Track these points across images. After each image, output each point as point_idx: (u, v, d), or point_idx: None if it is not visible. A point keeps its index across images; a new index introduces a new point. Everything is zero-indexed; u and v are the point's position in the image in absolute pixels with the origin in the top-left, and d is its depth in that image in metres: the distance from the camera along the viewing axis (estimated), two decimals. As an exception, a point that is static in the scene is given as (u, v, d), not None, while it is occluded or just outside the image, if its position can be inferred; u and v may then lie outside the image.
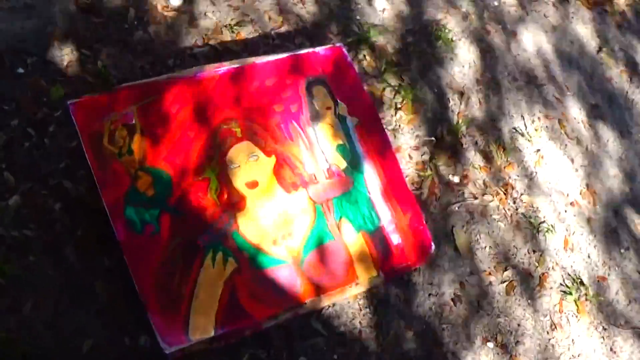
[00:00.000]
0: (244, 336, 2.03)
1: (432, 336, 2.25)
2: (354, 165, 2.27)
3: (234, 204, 2.08)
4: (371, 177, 2.28)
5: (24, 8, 2.26)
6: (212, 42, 2.45)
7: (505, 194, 2.59)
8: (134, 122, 2.04)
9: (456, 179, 2.54)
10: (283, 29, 2.57)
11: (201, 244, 2.00)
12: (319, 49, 2.37)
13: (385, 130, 2.36)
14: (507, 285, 2.46)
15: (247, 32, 2.52)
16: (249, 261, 2.04)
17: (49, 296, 1.90)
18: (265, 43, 2.52)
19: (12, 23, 2.22)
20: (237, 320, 1.99)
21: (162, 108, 2.09)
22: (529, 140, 2.76)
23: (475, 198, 2.54)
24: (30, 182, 2.01)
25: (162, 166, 2.03)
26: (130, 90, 2.10)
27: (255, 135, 2.17)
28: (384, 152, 2.33)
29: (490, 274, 2.45)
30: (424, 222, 2.31)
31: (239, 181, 2.11)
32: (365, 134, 2.31)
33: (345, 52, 2.39)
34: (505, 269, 2.48)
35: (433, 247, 2.30)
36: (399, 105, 2.56)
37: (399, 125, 2.54)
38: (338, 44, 2.42)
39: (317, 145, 2.24)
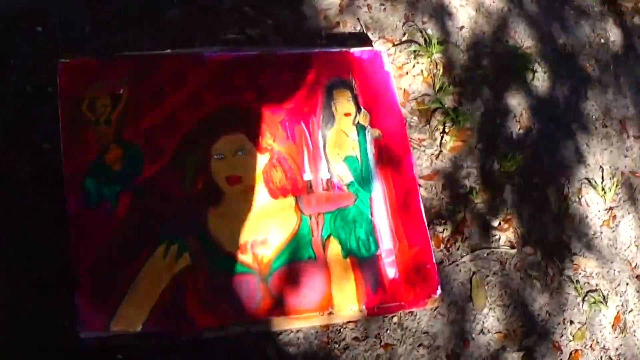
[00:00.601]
0: (179, 341, 1.85)
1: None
2: (362, 181, 2.06)
3: (207, 198, 1.94)
4: (379, 198, 2.05)
5: None
6: (248, 30, 2.42)
7: (552, 249, 2.27)
8: (121, 92, 2.01)
9: (494, 222, 2.25)
10: (336, 31, 2.49)
11: (159, 232, 1.88)
12: (355, 50, 2.25)
13: (411, 150, 2.15)
14: (523, 355, 2.08)
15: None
16: (207, 261, 1.87)
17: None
18: (311, 42, 2.44)
19: None
20: (175, 321, 1.81)
21: (156, 82, 2.05)
22: (601, 196, 2.41)
23: (513, 247, 2.23)
24: (9, 139, 2.04)
25: (138, 142, 1.96)
26: (127, 59, 2.09)
27: (251, 127, 2.06)
28: (402, 173, 2.10)
29: (506, 337, 2.08)
30: (434, 260, 2.01)
31: (220, 174, 1.98)
32: (384, 149, 2.11)
33: (385, 58, 2.25)
34: (528, 335, 2.11)
35: (439, 291, 1.98)
36: (447, 129, 2.35)
37: (441, 151, 2.32)
38: (379, 49, 2.30)
39: (322, 152, 2.07)
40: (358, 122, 2.14)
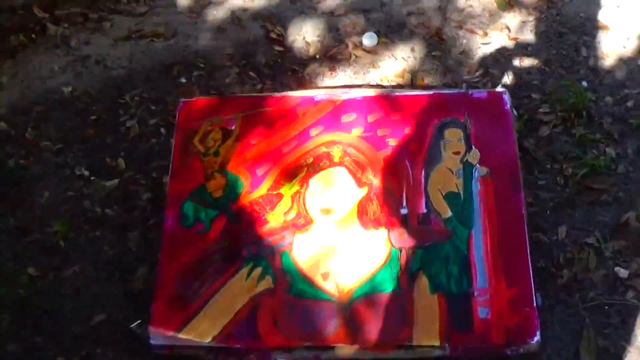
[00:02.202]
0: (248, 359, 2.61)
1: None
2: (462, 217, 2.75)
3: (297, 225, 2.79)
4: (479, 235, 2.71)
5: (217, 30, 3.65)
6: (385, 82, 3.37)
7: None
8: (233, 128, 3.03)
9: (623, 273, 2.72)
10: (477, 79, 3.36)
11: (245, 254, 2.75)
12: (474, 91, 3.07)
13: (522, 191, 2.79)
14: None
15: (432, 79, 3.38)
16: (287, 286, 2.67)
17: (93, 268, 2.89)
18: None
19: (196, 39, 3.61)
20: (245, 339, 2.59)
21: (266, 120, 3.03)
22: None
23: None
24: (134, 172, 3.15)
25: (241, 173, 2.92)
26: (241, 99, 3.15)
27: (354, 163, 2.90)
28: (510, 212, 2.74)
29: None
30: (535, 304, 2.56)
31: (314, 205, 2.83)
32: (492, 187, 2.79)
33: (507, 98, 3.00)
34: None
35: (537, 337, 2.50)
36: (581, 180, 2.98)
37: (572, 199, 2.95)
38: (501, 89, 3.07)
39: (423, 188, 2.82)
40: (466, 160, 2.88)
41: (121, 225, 3.01)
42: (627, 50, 3.44)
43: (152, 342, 2.63)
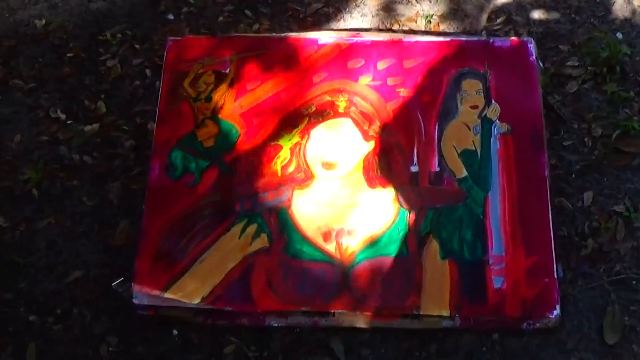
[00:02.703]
0: (239, 324, 2.68)
1: None
2: (478, 178, 2.82)
3: (297, 180, 2.85)
4: (497, 198, 2.77)
5: None
6: (396, 27, 3.41)
7: None
8: (227, 71, 3.07)
9: None
10: (498, 27, 3.41)
11: (239, 209, 2.81)
12: (496, 39, 3.11)
13: (546, 151, 2.85)
14: None
15: (446, 25, 3.43)
16: (284, 245, 2.74)
17: (69, 220, 2.97)
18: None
19: None
20: (237, 301, 2.66)
21: (263, 63, 3.07)
22: None
23: None
24: (117, 116, 3.21)
25: (235, 121, 2.97)
26: (237, 39, 3.18)
27: (360, 114, 2.96)
28: (531, 174, 2.81)
29: None
30: (556, 275, 2.64)
31: (316, 158, 2.89)
32: (512, 146, 2.85)
33: (533, 48, 3.04)
34: None
35: (557, 311, 2.58)
36: (611, 142, 3.03)
37: (601, 162, 3.00)
38: (526, 38, 3.11)
39: (436, 145, 2.88)
40: (485, 115, 2.94)
41: (101, 175, 3.08)
42: (669, -1, 3.47)
43: (135, 302, 2.70)
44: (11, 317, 2.77)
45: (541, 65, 3.11)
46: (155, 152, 2.95)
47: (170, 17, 3.51)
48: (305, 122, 2.98)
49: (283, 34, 3.21)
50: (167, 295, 2.69)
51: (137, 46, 3.43)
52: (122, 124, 3.20)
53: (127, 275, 2.76)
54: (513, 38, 3.14)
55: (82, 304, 2.80)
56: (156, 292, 2.69)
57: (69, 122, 3.22)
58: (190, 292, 2.69)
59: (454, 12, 3.47)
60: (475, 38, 3.18)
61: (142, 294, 2.70)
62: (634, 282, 2.77)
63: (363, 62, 3.08)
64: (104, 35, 3.47)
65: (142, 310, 2.72)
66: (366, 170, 2.88)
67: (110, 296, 2.78)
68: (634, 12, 3.44)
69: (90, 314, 2.78)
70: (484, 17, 3.48)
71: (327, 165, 2.90)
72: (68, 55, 3.43)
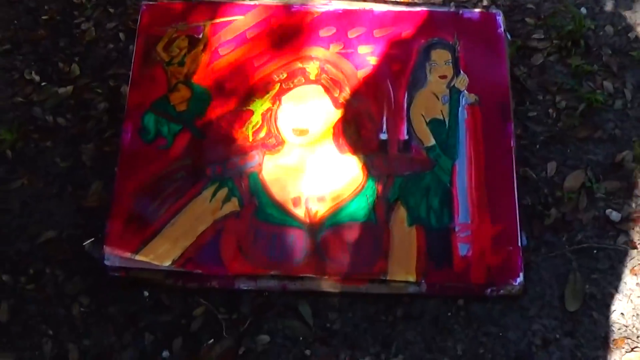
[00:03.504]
0: (209, 287, 2.62)
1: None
2: (446, 146, 2.75)
3: (268, 145, 2.77)
4: (464, 166, 2.72)
5: None
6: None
7: None
8: (200, 36, 2.97)
9: (615, 216, 2.76)
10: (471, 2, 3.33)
11: (210, 173, 2.73)
12: (466, 11, 3.04)
13: (512, 122, 2.82)
14: None
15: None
16: (255, 209, 2.67)
17: (42, 181, 2.87)
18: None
19: None
20: (207, 264, 2.60)
21: (236, 29, 2.98)
22: None
23: (634, 247, 2.71)
24: (91, 79, 3.10)
25: (208, 86, 2.88)
26: (210, 4, 3.07)
27: (331, 81, 2.88)
28: (497, 143, 2.76)
29: (601, 346, 2.54)
30: (520, 243, 2.60)
31: (287, 124, 2.81)
32: (480, 116, 2.80)
33: (501, 20, 2.98)
34: (631, 350, 2.54)
35: (520, 279, 2.55)
36: (575, 114, 2.99)
37: (564, 134, 2.96)
38: (495, 11, 3.05)
39: (405, 113, 2.82)
40: (453, 86, 2.87)
41: (74, 136, 2.98)
42: (634, -25, 3.43)
43: (106, 263, 2.63)
44: (-19, 276, 2.70)
45: (508, 37, 3.05)
46: (128, 115, 2.85)
47: (145, -20, 3.39)
48: (277, 88, 2.90)
49: (256, 1, 3.10)
50: (139, 257, 2.61)
51: (112, 10, 3.31)
52: (96, 87, 3.09)
53: (99, 237, 2.68)
54: (482, 10, 3.08)
55: (55, 264, 2.72)
56: (128, 254, 2.62)
57: (43, 84, 3.11)
58: (162, 254, 2.62)
59: (424, -18, 3.38)
60: (444, 9, 3.10)
61: (114, 256, 2.62)
62: (595, 251, 2.74)
63: (334, 30, 3.00)
64: (79, -3, 3.35)
65: (114, 271, 2.64)
66: (336, 137, 2.81)
67: (82, 257, 2.70)
68: (598, -13, 3.38)
69: (62, 274, 2.70)
70: (453, -12, 3.40)
71: (298, 131, 2.82)
72: (43, 17, 3.30)
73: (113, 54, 3.19)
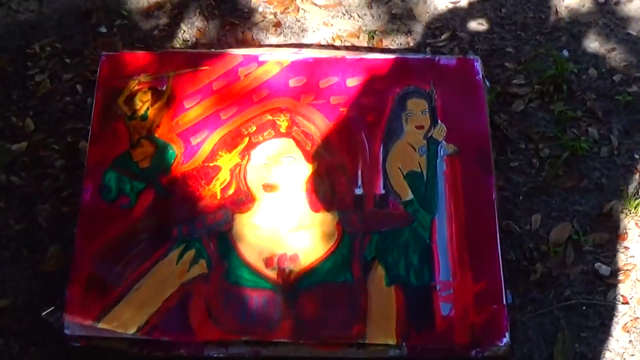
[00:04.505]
0: (177, 355, 2.63)
1: None
2: (424, 200, 2.81)
3: (237, 203, 2.81)
4: (444, 221, 2.77)
5: None
6: (338, 43, 3.40)
7: None
8: (164, 88, 3.02)
9: (604, 270, 2.82)
10: (443, 44, 3.42)
11: (176, 234, 2.76)
12: (442, 57, 3.12)
13: (494, 173, 2.86)
14: None
15: (391, 41, 3.42)
16: (224, 271, 2.70)
17: (-4, 244, 2.90)
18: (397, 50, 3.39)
19: None
20: (174, 331, 2.61)
21: (202, 80, 3.03)
22: None
23: (625, 303, 2.75)
24: (46, 134, 3.14)
25: (172, 141, 2.92)
26: (174, 54, 3.14)
27: (302, 134, 2.93)
28: (479, 196, 2.81)
29: None
30: (505, 301, 2.64)
31: (256, 180, 2.85)
32: (459, 168, 2.86)
33: (479, 66, 3.06)
34: None
35: (506, 339, 2.58)
36: (559, 163, 3.05)
37: (549, 184, 3.02)
38: (473, 57, 3.13)
39: (381, 166, 2.87)
40: (431, 136, 2.93)
41: (29, 196, 3.00)
42: (614, 16, 3.52)
43: (66, 332, 2.63)
44: None
45: (487, 84, 3.12)
46: (88, 173, 2.88)
47: (103, 30, 3.44)
48: (246, 142, 2.94)
49: (222, 50, 3.18)
50: (101, 325, 2.63)
51: (68, 60, 3.36)
52: (52, 143, 3.13)
53: (57, 304, 2.69)
54: (459, 56, 3.17)
55: (10, 334, 2.73)
56: (89, 322, 2.63)
57: (-6, 140, 3.14)
58: (125, 321, 2.63)
59: (397, 28, 3.46)
60: (420, 56, 3.18)
61: (74, 324, 2.63)
62: (584, 308, 2.79)
63: (305, 80, 3.06)
64: (32, 48, 3.39)
65: (74, 341, 2.64)
66: (309, 193, 2.85)
67: (40, 326, 2.71)
68: (579, 29, 3.46)
69: (17, 346, 2.71)
70: (429, 33, 3.47)
71: (269, 188, 2.86)
72: (-6, 68, 3.34)
73: (70, 107, 3.23)
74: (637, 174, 3.08)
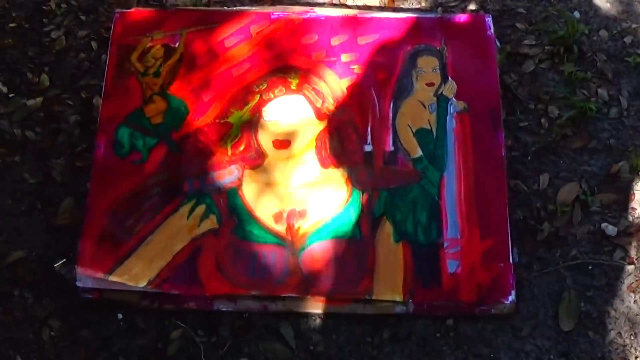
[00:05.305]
0: (186, 308, 2.62)
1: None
2: (433, 157, 2.77)
3: (247, 159, 2.78)
4: (452, 178, 2.73)
5: None
6: (350, 2, 3.33)
7: None
8: (177, 45, 2.98)
9: (611, 230, 2.77)
10: (454, 4, 3.35)
11: (187, 189, 2.73)
12: (453, 15, 3.07)
13: (503, 131, 2.83)
14: None
15: (402, 1, 3.35)
16: (234, 226, 2.67)
17: (10, 198, 2.87)
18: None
19: None
20: (184, 285, 2.59)
21: (214, 38, 2.99)
22: None
23: (631, 263, 2.71)
24: (61, 90, 3.09)
25: (185, 97, 2.88)
26: (187, 12, 3.09)
27: (314, 91, 2.89)
28: (488, 153, 2.78)
29: None
30: (512, 260, 2.61)
31: (267, 136, 2.82)
32: (469, 125, 2.82)
33: (490, 22, 3.01)
34: None
35: (512, 297, 2.56)
36: (568, 124, 3.00)
37: (557, 144, 2.96)
38: (484, 13, 3.08)
39: (390, 123, 2.83)
40: (441, 92, 2.88)
41: (44, 151, 2.97)
42: (628, -23, 3.44)
43: (78, 284, 2.62)
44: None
45: (498, 43, 3.06)
46: (101, 129, 2.85)
47: (118, -13, 3.38)
48: (257, 100, 2.90)
49: (235, 8, 3.13)
50: (112, 278, 2.61)
51: (83, 17, 3.31)
52: (67, 98, 3.09)
53: (70, 257, 2.68)
54: (470, 14, 3.09)
55: (23, 286, 2.71)
56: (100, 275, 2.61)
57: (10, 95, 3.10)
58: (136, 274, 2.62)
59: (409, -13, 3.39)
60: (431, 15, 3.12)
61: (86, 277, 2.61)
62: (590, 268, 2.75)
63: (316, 37, 3.01)
64: (48, 5, 3.34)
65: (86, 293, 2.63)
66: (319, 150, 2.82)
67: (52, 278, 2.69)
68: (592, -10, 3.39)
69: (31, 297, 2.69)
70: (440, -8, 3.41)
71: (279, 144, 2.83)
72: (10, 25, 3.30)
73: (85, 64, 3.19)
74: (646, 136, 3.03)
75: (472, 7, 3.35)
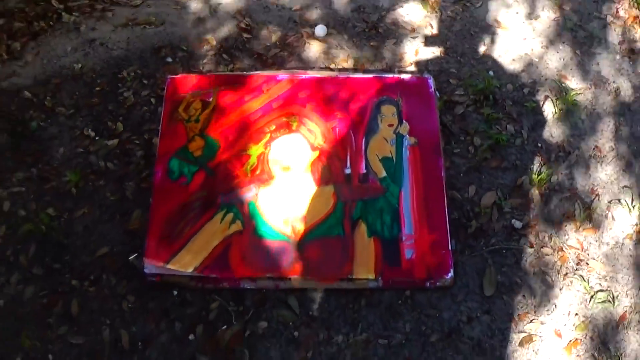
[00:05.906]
0: (221, 287, 2.56)
1: (406, 355, 2.49)
2: (394, 177, 2.70)
3: (262, 180, 2.70)
4: (407, 191, 2.67)
5: (197, 20, 3.49)
6: (333, 66, 3.25)
7: (570, 253, 2.73)
8: (210, 100, 2.90)
9: (518, 224, 2.76)
10: (407, 67, 3.28)
11: (220, 202, 2.65)
12: (406, 76, 2.99)
13: (442, 157, 2.78)
14: (524, 337, 2.51)
15: (371, 65, 3.28)
16: (253, 228, 2.60)
17: (98, 211, 2.80)
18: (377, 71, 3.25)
19: (181, 26, 3.46)
20: (219, 270, 2.53)
21: (237, 94, 2.91)
22: (629, 212, 2.84)
23: (531, 247, 2.70)
24: (131, 133, 3.01)
25: (216, 137, 2.80)
26: (218, 76, 3.00)
27: (308, 131, 2.81)
28: (432, 174, 2.71)
29: (510, 320, 2.54)
30: (450, 247, 2.57)
31: (275, 164, 2.74)
32: (419, 154, 2.75)
33: (431, 83, 2.94)
34: (531, 322, 2.56)
35: (451, 274, 2.52)
36: (487, 150, 2.97)
37: (480, 164, 2.93)
38: (427, 75, 3.01)
39: (363, 153, 2.75)
40: (398, 131, 2.81)
41: (120, 177, 2.90)
42: (523, 47, 3.39)
43: (146, 271, 2.57)
44: (60, 281, 2.64)
45: (437, 94, 2.99)
46: (158, 160, 2.78)
47: (169, 60, 3.29)
48: (268, 137, 2.83)
49: (251, 72, 3.04)
50: (169, 266, 2.56)
51: (145, 82, 3.21)
52: (135, 139, 3.00)
53: (140, 252, 2.62)
54: (418, 75, 3.02)
55: (109, 272, 2.66)
56: (161, 264, 2.56)
57: (96, 137, 3.02)
58: (186, 263, 2.56)
59: (374, 56, 3.31)
60: (391, 75, 3.03)
61: (151, 265, 2.56)
62: (504, 251, 2.76)
63: (309, 92, 2.94)
64: (122, 74, 3.25)
65: (152, 277, 2.58)
66: (313, 172, 2.74)
67: (128, 267, 2.64)
68: (500, 56, 3.33)
69: (114, 279, 2.65)
70: (397, 58, 3.32)
71: (284, 169, 2.75)
72: (96, 89, 3.21)
73: (147, 114, 3.09)
74: (540, 158, 2.98)
75: (418, 68, 3.27)
